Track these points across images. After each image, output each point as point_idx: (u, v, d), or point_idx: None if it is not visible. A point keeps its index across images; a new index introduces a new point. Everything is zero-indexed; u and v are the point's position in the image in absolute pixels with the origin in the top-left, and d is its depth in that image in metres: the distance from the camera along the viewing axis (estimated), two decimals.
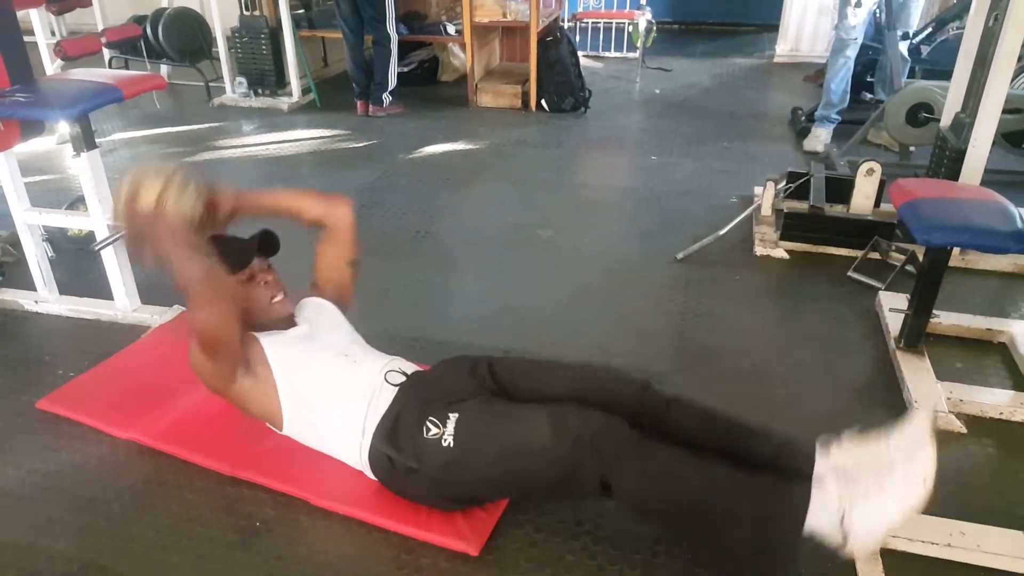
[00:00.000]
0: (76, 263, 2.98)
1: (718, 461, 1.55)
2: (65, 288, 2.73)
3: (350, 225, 2.05)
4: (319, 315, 2.01)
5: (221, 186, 1.91)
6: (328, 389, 1.80)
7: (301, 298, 2.06)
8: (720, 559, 1.66)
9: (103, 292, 2.65)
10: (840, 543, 1.45)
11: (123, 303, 2.61)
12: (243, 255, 1.87)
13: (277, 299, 1.92)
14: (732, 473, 1.53)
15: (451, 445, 1.62)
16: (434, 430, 1.64)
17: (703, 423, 1.70)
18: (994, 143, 2.73)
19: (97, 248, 2.48)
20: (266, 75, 5.29)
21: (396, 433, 1.70)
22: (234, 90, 5.34)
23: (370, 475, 1.80)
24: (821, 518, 1.45)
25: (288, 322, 1.94)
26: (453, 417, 1.64)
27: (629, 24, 6.23)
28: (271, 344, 1.83)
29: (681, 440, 1.61)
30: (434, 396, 1.73)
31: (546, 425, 1.56)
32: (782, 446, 1.63)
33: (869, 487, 1.43)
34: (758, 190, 3.42)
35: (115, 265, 2.55)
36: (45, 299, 2.69)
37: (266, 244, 1.94)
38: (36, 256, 2.64)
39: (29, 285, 2.71)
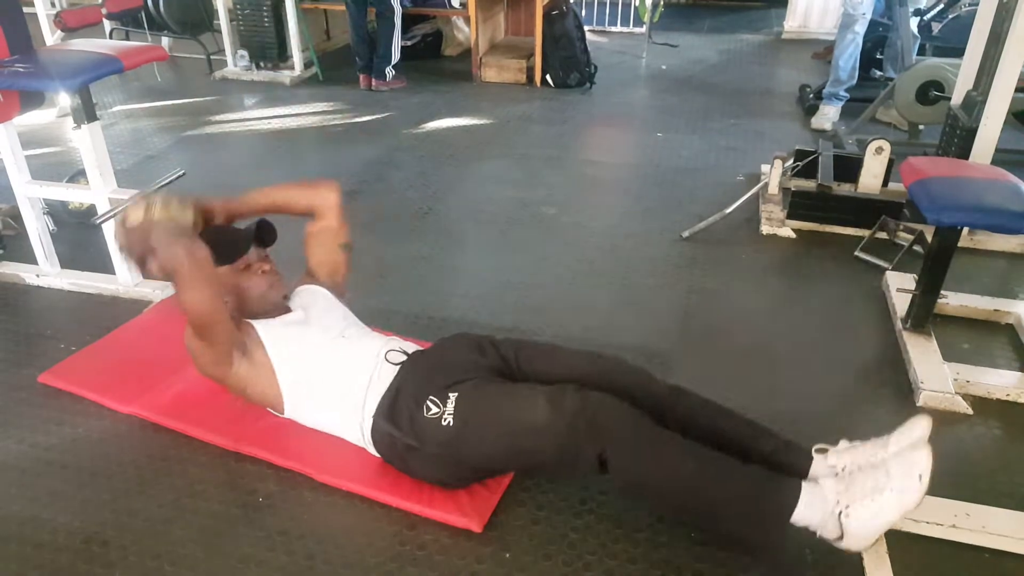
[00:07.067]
0: (77, 237, 2.96)
1: (714, 449, 1.57)
2: (66, 262, 2.71)
3: (336, 207, 2.02)
4: (314, 301, 2.00)
5: (207, 197, 1.93)
6: (327, 371, 1.80)
7: (296, 287, 2.06)
8: (712, 537, 1.67)
9: (105, 266, 2.63)
10: (837, 536, 1.49)
11: (125, 277, 2.60)
12: (238, 245, 1.89)
13: (274, 288, 1.93)
14: (726, 459, 1.56)
15: (451, 424, 1.63)
16: (435, 409, 1.65)
17: (704, 414, 1.71)
18: (1005, 122, 2.70)
19: (98, 221, 2.45)
20: (268, 48, 5.22)
21: (396, 411, 1.71)
22: (236, 63, 5.29)
23: (373, 452, 1.81)
24: (815, 513, 1.49)
25: (283, 310, 1.95)
26: (453, 396, 1.65)
27: None
28: (266, 329, 1.83)
29: (681, 429, 1.62)
30: (434, 375, 1.74)
31: (544, 403, 1.58)
32: (781, 444, 1.65)
33: (866, 487, 1.47)
34: (765, 168, 3.39)
35: None
36: (46, 273, 2.67)
37: (262, 233, 1.95)
38: (37, 229, 2.62)
39: (30, 259, 2.69)
